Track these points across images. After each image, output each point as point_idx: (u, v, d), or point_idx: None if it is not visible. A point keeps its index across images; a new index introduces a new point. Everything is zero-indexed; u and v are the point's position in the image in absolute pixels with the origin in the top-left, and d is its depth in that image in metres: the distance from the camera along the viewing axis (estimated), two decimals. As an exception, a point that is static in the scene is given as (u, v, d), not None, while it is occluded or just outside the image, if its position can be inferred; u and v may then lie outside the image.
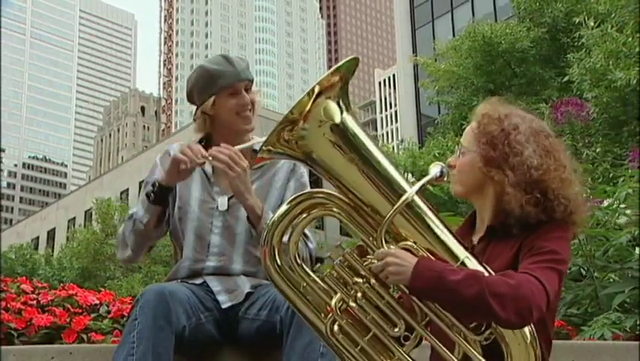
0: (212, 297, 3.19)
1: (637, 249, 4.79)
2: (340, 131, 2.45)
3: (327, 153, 2.47)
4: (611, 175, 8.99)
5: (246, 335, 3.15)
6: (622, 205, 4.97)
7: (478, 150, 2.62)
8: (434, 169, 2.49)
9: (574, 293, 4.67)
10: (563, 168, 2.59)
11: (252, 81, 3.55)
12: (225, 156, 3.19)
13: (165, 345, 2.81)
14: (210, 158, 3.22)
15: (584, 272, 4.73)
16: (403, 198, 2.36)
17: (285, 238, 2.53)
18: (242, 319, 3.17)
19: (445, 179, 2.52)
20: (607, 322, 4.06)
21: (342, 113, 2.46)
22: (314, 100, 2.42)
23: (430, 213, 2.47)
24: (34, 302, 4.26)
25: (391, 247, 2.40)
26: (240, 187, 3.23)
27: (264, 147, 2.48)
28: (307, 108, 2.42)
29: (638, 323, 4.16)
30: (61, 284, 5.23)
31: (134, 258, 3.54)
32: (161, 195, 3.30)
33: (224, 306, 3.17)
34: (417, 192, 2.39)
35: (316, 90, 2.41)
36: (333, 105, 2.45)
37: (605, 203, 5.16)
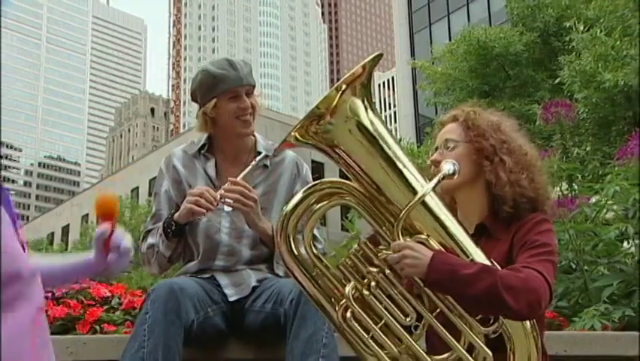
0: (219, 290, 3.18)
1: (625, 243, 4.81)
2: (365, 128, 2.48)
3: (351, 147, 2.49)
4: (600, 173, 9.02)
5: (252, 326, 3.15)
6: (609, 202, 4.99)
7: (470, 143, 2.67)
8: (447, 166, 2.51)
9: (565, 286, 4.68)
10: (538, 157, 2.72)
11: (253, 86, 3.52)
12: (236, 194, 3.19)
13: (175, 339, 2.82)
14: (223, 200, 3.21)
15: (574, 266, 4.73)
16: (420, 193, 2.39)
17: (300, 226, 2.54)
18: (248, 311, 3.15)
19: (456, 177, 2.53)
20: (596, 313, 4.07)
21: (366, 110, 2.48)
22: (340, 96, 2.44)
23: (443, 209, 2.50)
24: (50, 295, 4.26)
25: (407, 239, 2.42)
26: (253, 219, 3.26)
27: (292, 133, 2.49)
28: (334, 104, 2.44)
29: (625, 313, 4.17)
30: (76, 278, 5.23)
31: (161, 273, 3.59)
32: (177, 231, 3.31)
33: (231, 299, 3.16)
34: (433, 189, 2.42)
35: (343, 87, 2.43)
36: (358, 102, 2.48)
37: (593, 200, 5.18)
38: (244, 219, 3.29)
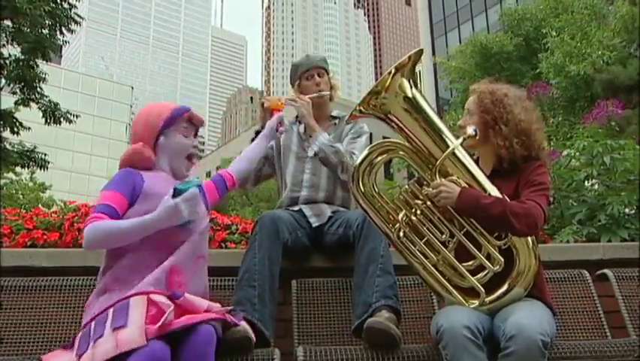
0: (305, 219, 3.16)
1: (587, 182, 4.81)
2: (410, 100, 2.43)
3: (400, 115, 2.46)
4: (568, 135, 9.02)
5: (329, 244, 3.11)
6: (577, 154, 4.99)
7: (480, 115, 2.59)
8: (470, 129, 2.46)
9: (547, 214, 4.70)
10: (537, 121, 2.61)
11: (323, 68, 3.46)
12: (291, 97, 3.28)
13: (276, 252, 2.81)
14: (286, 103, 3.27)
15: (552, 199, 4.71)
16: (451, 147, 2.37)
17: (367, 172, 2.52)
18: (326, 233, 3.12)
19: (477, 137, 2.46)
20: (570, 232, 4.15)
21: (411, 88, 2.43)
22: (392, 78, 2.40)
23: (468, 158, 2.46)
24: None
25: (442, 180, 2.39)
26: (303, 112, 3.28)
27: (357, 107, 2.48)
28: (387, 84, 2.40)
29: (590, 231, 4.22)
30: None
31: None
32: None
33: (314, 225, 3.13)
34: (460, 144, 2.39)
35: (393, 71, 2.39)
36: (405, 82, 2.43)
37: (565, 153, 5.17)
38: (297, 111, 3.33)
